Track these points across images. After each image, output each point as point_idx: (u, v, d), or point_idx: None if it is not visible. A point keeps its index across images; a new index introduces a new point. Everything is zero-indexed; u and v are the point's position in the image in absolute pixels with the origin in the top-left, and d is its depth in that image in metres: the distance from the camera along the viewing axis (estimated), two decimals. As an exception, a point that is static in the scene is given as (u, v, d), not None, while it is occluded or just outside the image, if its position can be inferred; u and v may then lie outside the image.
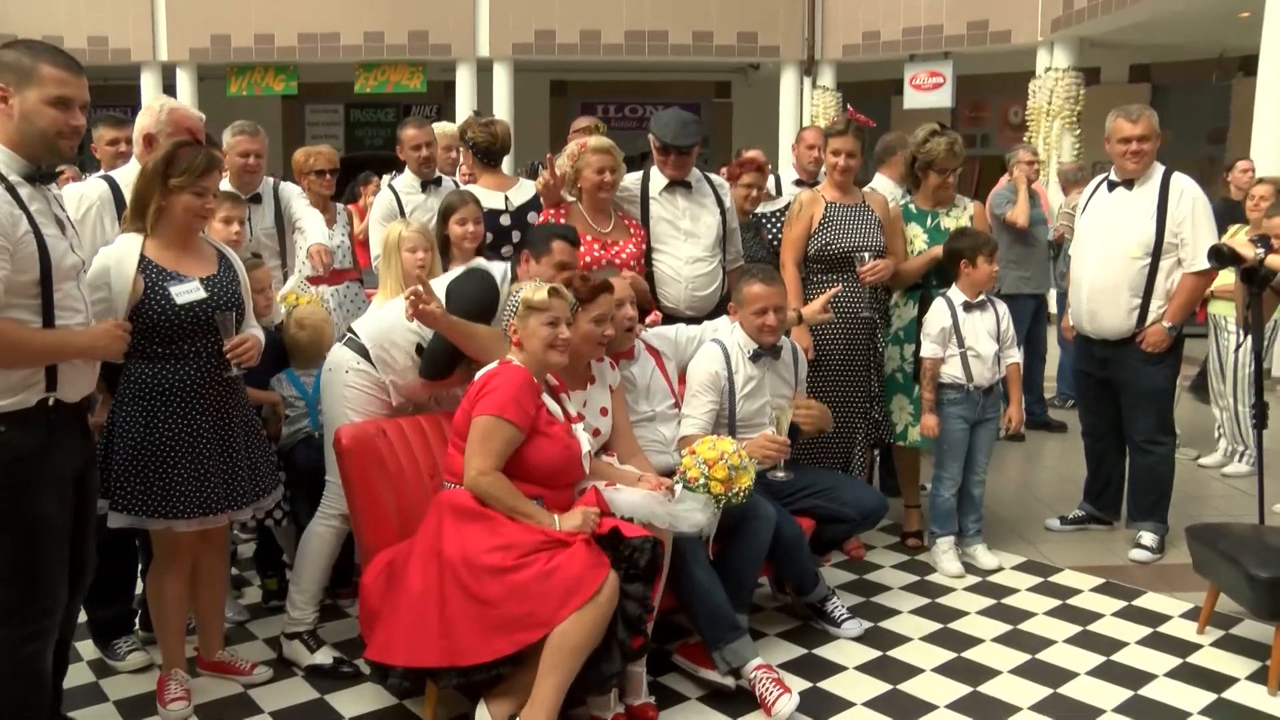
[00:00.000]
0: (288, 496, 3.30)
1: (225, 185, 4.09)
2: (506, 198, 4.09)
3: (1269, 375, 5.22)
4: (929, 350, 3.89)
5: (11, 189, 2.17)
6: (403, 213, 4.35)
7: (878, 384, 4.11)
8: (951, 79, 11.85)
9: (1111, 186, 4.04)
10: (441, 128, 4.87)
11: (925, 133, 4.09)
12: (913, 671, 3.09)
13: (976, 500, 4.01)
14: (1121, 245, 3.94)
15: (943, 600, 3.65)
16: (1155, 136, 3.89)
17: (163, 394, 2.63)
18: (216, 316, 2.65)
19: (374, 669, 2.66)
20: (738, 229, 4.11)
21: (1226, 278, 4.42)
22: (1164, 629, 3.41)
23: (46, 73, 2.21)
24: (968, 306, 3.90)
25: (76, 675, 2.97)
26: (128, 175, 3.07)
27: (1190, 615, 3.48)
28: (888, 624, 3.43)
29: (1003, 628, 3.41)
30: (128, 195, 2.86)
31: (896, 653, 3.22)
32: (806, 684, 3.00)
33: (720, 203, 3.95)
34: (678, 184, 3.88)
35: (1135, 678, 3.07)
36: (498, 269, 3.15)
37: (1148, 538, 4.06)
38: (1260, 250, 3.71)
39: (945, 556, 3.92)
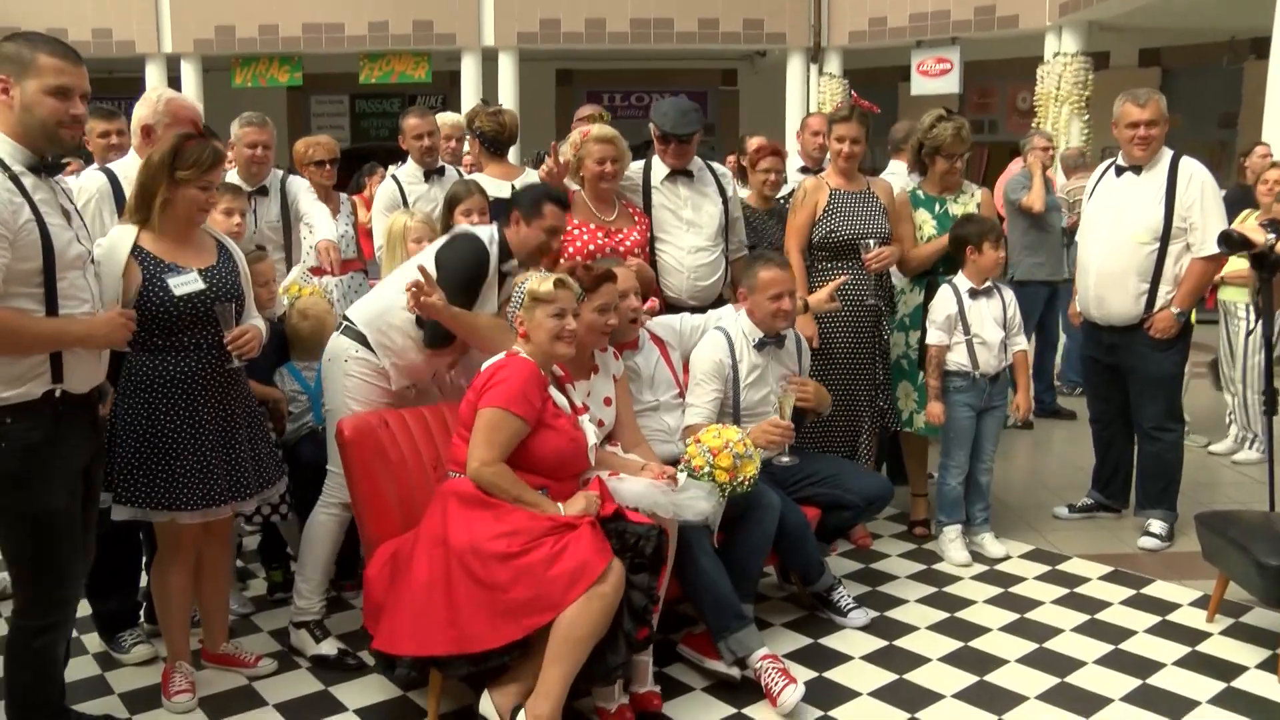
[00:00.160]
0: (292, 491, 3.29)
1: (233, 176, 4.10)
2: (513, 187, 4.08)
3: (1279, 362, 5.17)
4: (934, 337, 3.86)
5: (15, 179, 2.19)
6: (406, 203, 4.34)
7: (883, 372, 4.08)
8: (959, 65, 11.74)
9: (1119, 171, 4.00)
10: (445, 118, 4.85)
11: (931, 118, 4.05)
12: (919, 661, 3.08)
13: (984, 488, 3.99)
14: (1129, 230, 3.90)
15: (950, 589, 3.63)
16: (1163, 121, 3.85)
17: (164, 386, 2.63)
18: (216, 308, 2.64)
19: (380, 660, 2.65)
20: (740, 218, 4.09)
21: (1237, 263, 4.38)
22: (1173, 617, 3.39)
23: (45, 63, 2.22)
24: (973, 293, 3.87)
25: (81, 668, 2.98)
26: (126, 167, 3.07)
27: (1199, 603, 3.46)
28: (894, 613, 3.42)
29: (1010, 616, 3.40)
30: (126, 187, 2.86)
31: (903, 642, 3.21)
32: (812, 674, 3.00)
33: (723, 192, 3.92)
34: (679, 173, 3.86)
35: (1144, 666, 3.05)
36: (484, 232, 3.13)
37: (1157, 525, 4.03)
38: (1271, 235, 3.67)
39: (952, 545, 3.90)
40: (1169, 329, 3.89)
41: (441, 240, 3.17)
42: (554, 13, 11.91)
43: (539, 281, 2.77)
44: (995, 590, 3.62)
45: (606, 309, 3.00)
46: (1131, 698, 2.87)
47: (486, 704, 2.56)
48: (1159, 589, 3.62)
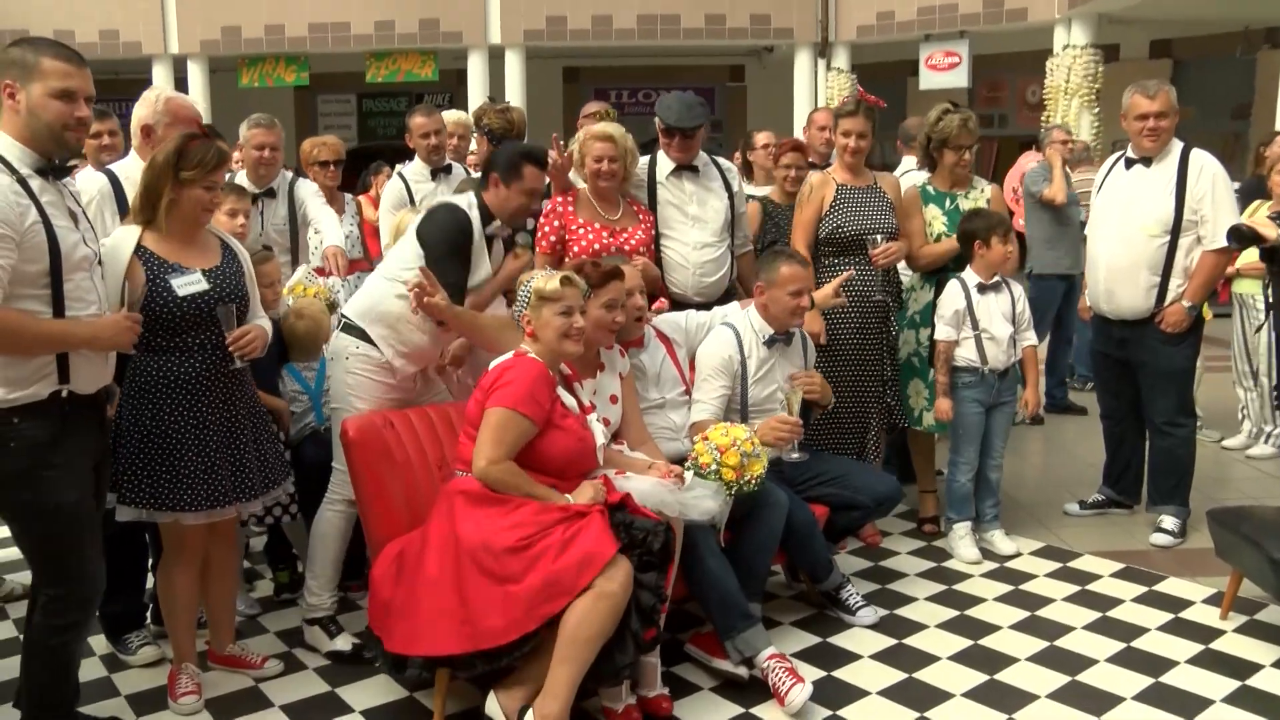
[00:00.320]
0: (297, 492, 3.28)
1: (241, 178, 4.10)
2: None
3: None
4: (942, 333, 3.84)
5: (23, 181, 2.21)
6: (412, 200, 4.34)
7: (891, 369, 4.05)
8: (968, 59, 11.68)
9: (1129, 164, 3.96)
10: (450, 116, 4.85)
11: (938, 112, 4.03)
12: (929, 659, 3.06)
13: (993, 485, 3.96)
14: (1139, 223, 3.86)
15: (959, 587, 3.61)
16: (1173, 113, 3.81)
17: (168, 387, 2.63)
18: (218, 309, 2.64)
19: (390, 662, 2.64)
20: (746, 214, 4.07)
21: (1252, 255, 4.33)
22: (1186, 615, 3.36)
23: (48, 66, 2.25)
24: (982, 288, 3.84)
25: (87, 669, 2.97)
26: (127, 168, 3.07)
27: (1213, 601, 3.43)
28: (903, 611, 3.40)
29: (1020, 614, 3.37)
30: (127, 188, 2.86)
31: (912, 640, 3.19)
32: (821, 673, 2.98)
33: (728, 187, 3.90)
34: (685, 169, 3.84)
35: (1156, 665, 3.02)
36: (461, 199, 3.11)
37: (1169, 522, 4.00)
38: (1282, 228, 3.62)
39: (962, 542, 3.87)
40: (1180, 323, 3.85)
41: (419, 218, 3.14)
42: (560, 10, 11.90)
43: (545, 280, 2.76)
44: (1005, 588, 3.59)
45: (614, 305, 2.99)
46: (1144, 696, 2.84)
47: (493, 705, 2.55)
48: (1171, 586, 3.58)
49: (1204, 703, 2.81)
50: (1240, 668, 3.00)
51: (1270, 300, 4.42)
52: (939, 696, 2.85)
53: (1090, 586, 3.59)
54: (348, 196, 5.00)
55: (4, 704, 2.67)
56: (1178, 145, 3.87)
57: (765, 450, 3.02)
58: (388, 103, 14.98)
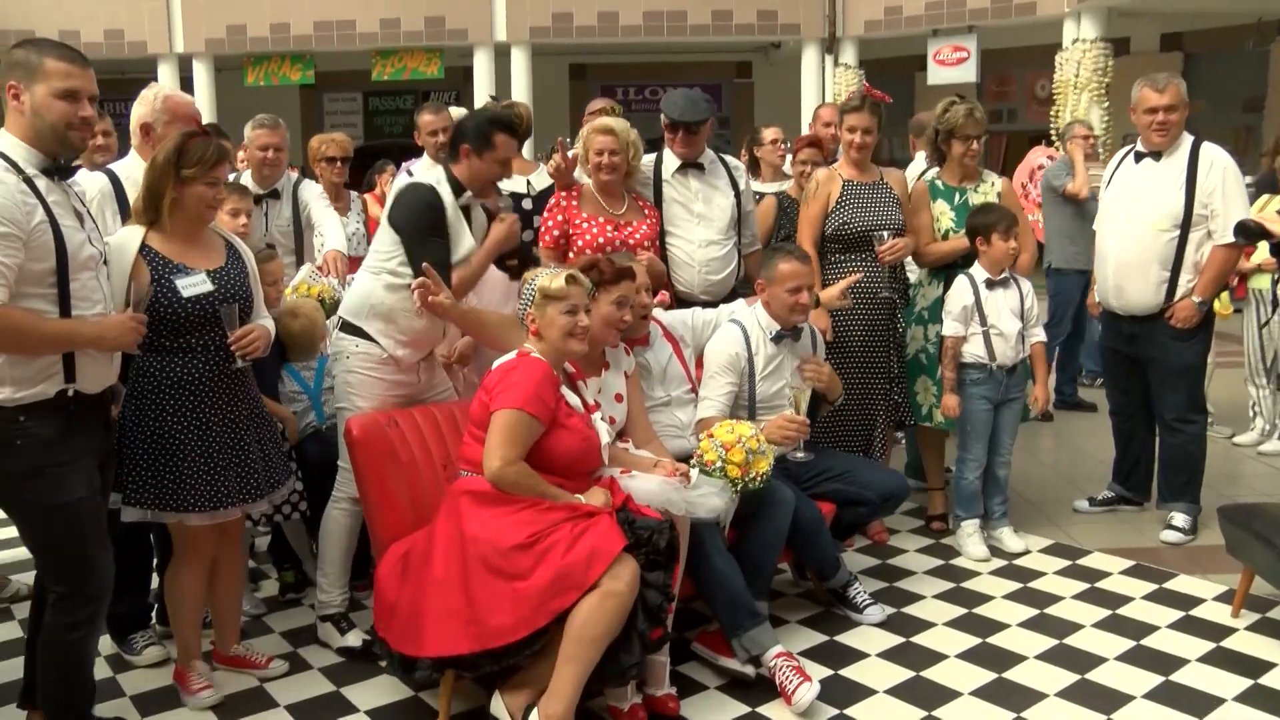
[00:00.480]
0: (303, 491, 3.28)
1: (246, 178, 4.10)
2: (529, 182, 4.06)
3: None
4: (950, 328, 3.81)
5: (29, 181, 2.22)
6: None
7: (898, 365, 4.03)
8: (976, 53, 11.62)
9: (1138, 158, 3.93)
10: (459, 113, 4.83)
11: (944, 104, 4.01)
12: (936, 658, 3.05)
13: (1002, 482, 3.93)
14: (1149, 218, 3.83)
15: (968, 584, 3.59)
16: (1183, 106, 3.78)
17: (171, 387, 2.63)
18: (220, 309, 2.64)
19: (398, 663, 2.63)
20: (753, 211, 4.05)
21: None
22: (1196, 612, 3.33)
23: (51, 66, 2.26)
24: (990, 284, 3.81)
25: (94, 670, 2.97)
26: (127, 168, 3.07)
27: (1224, 598, 3.40)
28: (911, 609, 3.38)
29: (1029, 612, 3.35)
30: (128, 187, 2.86)
31: (920, 639, 3.17)
32: (828, 671, 2.97)
33: (735, 185, 3.88)
34: (691, 165, 3.83)
35: (1166, 663, 2.99)
36: (429, 175, 3.06)
37: (1179, 519, 3.96)
38: (1291, 223, 3.59)
39: (970, 540, 3.85)
40: (1190, 318, 3.82)
41: (388, 204, 3.10)
42: (566, 7, 11.88)
43: (550, 278, 2.74)
44: (1014, 585, 3.57)
45: (624, 303, 2.98)
46: (1154, 695, 2.82)
47: (498, 704, 2.54)
48: (1182, 583, 3.55)
49: (1215, 701, 2.78)
50: (1252, 666, 2.97)
51: (1276, 296, 4.39)
52: (947, 695, 2.84)
53: (1100, 584, 3.56)
54: (354, 194, 5.00)
55: (7, 704, 2.67)
56: (1188, 139, 3.83)
57: (771, 447, 3.00)
58: (394, 100, 14.99)
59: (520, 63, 12.02)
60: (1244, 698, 2.80)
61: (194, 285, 2.60)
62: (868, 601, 3.31)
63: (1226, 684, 2.87)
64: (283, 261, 3.63)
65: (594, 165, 3.63)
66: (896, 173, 4.14)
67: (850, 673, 2.97)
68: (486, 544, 2.49)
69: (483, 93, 11.30)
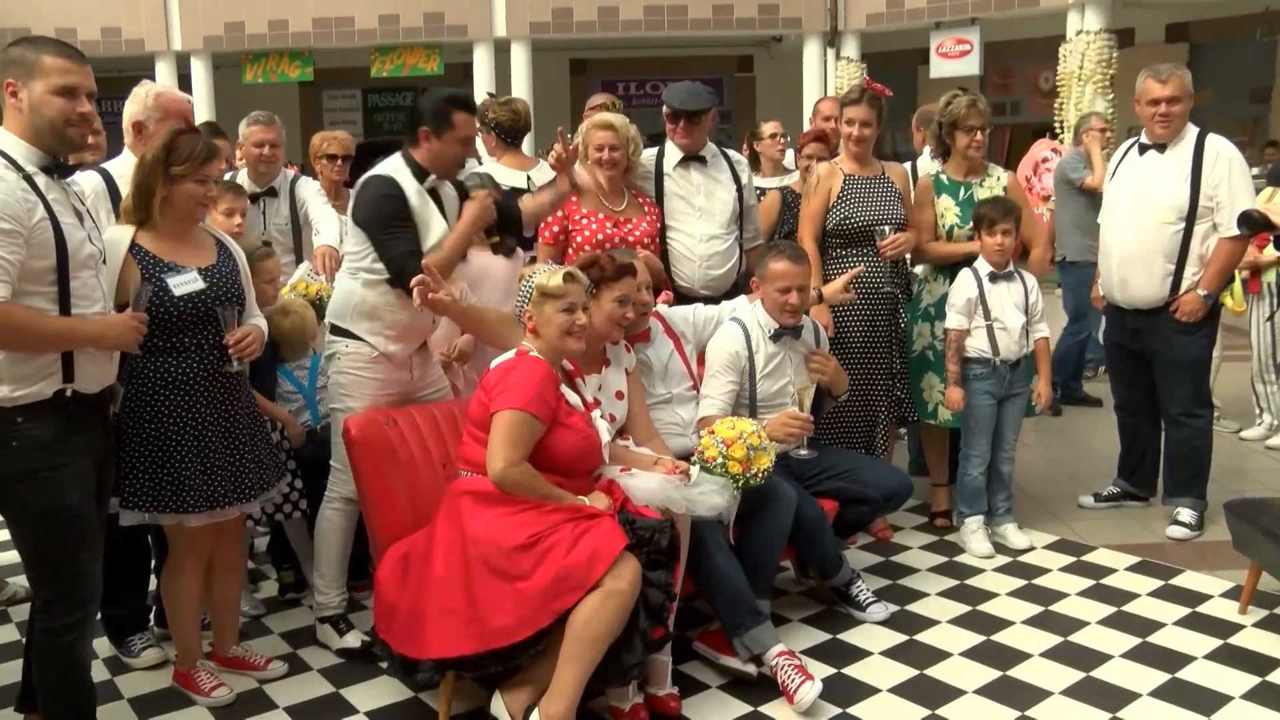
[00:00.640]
0: (300, 490, 3.27)
1: (243, 176, 4.08)
2: (529, 177, 4.06)
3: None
4: (954, 321, 3.79)
5: (29, 179, 2.22)
6: None
7: (900, 361, 4.00)
8: (979, 46, 11.56)
9: (1142, 150, 3.89)
10: None
11: (946, 97, 3.98)
12: (940, 656, 3.03)
13: (1006, 478, 3.91)
14: (1153, 210, 3.80)
15: (972, 582, 3.56)
16: (1187, 98, 3.74)
17: (166, 388, 2.61)
18: (218, 310, 2.62)
19: (399, 664, 2.62)
20: (756, 206, 4.03)
21: None
22: (1203, 609, 3.30)
23: (49, 63, 2.26)
24: (994, 277, 3.78)
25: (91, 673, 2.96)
26: (122, 166, 3.05)
27: (1231, 595, 3.37)
28: (915, 607, 3.36)
29: (1034, 609, 3.33)
30: (122, 186, 2.84)
31: (923, 636, 3.15)
32: (830, 670, 2.95)
33: (737, 179, 3.86)
34: (692, 159, 3.81)
35: (1173, 660, 2.97)
36: (386, 166, 2.99)
37: (1185, 514, 3.94)
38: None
39: (974, 536, 3.83)
40: (1195, 311, 3.79)
41: (350, 203, 3.05)
42: (566, 2, 11.84)
43: (548, 276, 2.72)
44: (1018, 582, 3.54)
45: (626, 300, 2.96)
46: (1160, 692, 2.79)
47: (498, 705, 2.53)
48: (1188, 580, 3.53)
49: (1222, 699, 2.76)
50: (1260, 663, 2.94)
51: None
52: (950, 693, 2.82)
53: (1105, 580, 3.54)
54: (352, 192, 4.97)
55: (5, 708, 2.66)
56: (1193, 130, 3.80)
57: (772, 444, 2.98)
58: (393, 97, 14.97)
59: (520, 58, 11.98)
60: (1252, 695, 2.78)
61: (186, 284, 2.58)
62: (870, 599, 3.29)
63: (1234, 681, 2.84)
64: (281, 260, 3.61)
65: (594, 161, 3.60)
66: (898, 167, 4.11)
67: (853, 671, 2.95)
68: (488, 544, 2.48)
69: (482, 89, 11.27)
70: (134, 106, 3.00)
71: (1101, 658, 2.99)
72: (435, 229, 2.95)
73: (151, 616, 3.18)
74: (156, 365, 2.61)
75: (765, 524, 3.01)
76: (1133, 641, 3.09)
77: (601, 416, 2.88)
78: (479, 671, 2.51)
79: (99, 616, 3.00)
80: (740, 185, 3.86)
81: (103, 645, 3.09)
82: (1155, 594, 3.43)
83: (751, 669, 2.85)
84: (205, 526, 2.72)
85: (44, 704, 2.44)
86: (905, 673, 2.93)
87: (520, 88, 11.66)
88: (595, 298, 2.89)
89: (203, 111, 11.51)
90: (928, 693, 2.82)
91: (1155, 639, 3.11)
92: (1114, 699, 2.76)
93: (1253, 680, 2.85)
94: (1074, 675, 2.89)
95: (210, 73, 12.08)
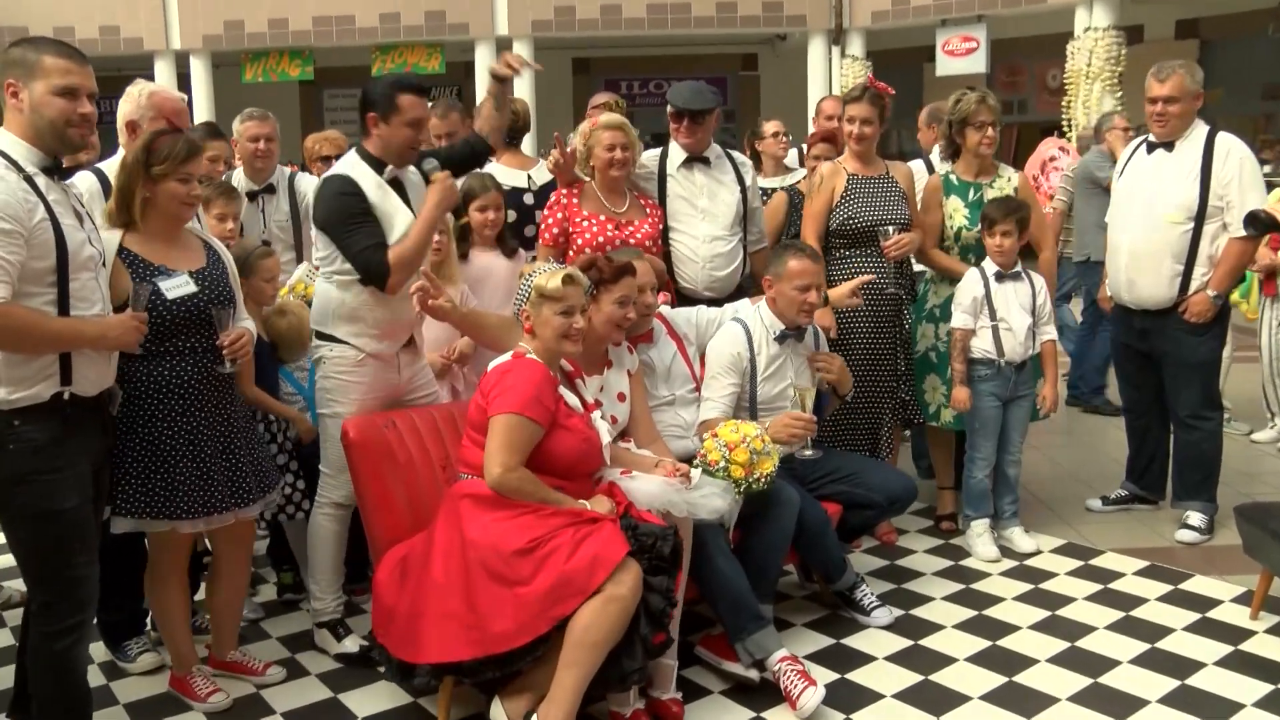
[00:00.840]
0: (303, 491, 3.24)
1: (239, 174, 4.05)
2: (529, 176, 4.04)
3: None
4: (959, 320, 3.76)
5: (29, 180, 2.21)
6: None
7: (905, 363, 3.97)
8: (985, 43, 11.52)
9: (1150, 148, 3.85)
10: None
11: (954, 97, 3.94)
12: (945, 661, 3.00)
13: (1012, 480, 3.87)
14: (1161, 210, 3.76)
15: (977, 586, 3.53)
16: (1187, 98, 3.69)
17: (159, 392, 2.59)
18: (213, 312, 2.61)
19: (396, 669, 2.60)
20: (760, 208, 4.00)
21: None
22: (1214, 614, 3.27)
23: (50, 64, 2.26)
24: (1000, 277, 3.75)
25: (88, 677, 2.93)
26: (116, 166, 3.02)
27: (1242, 600, 3.33)
28: (920, 611, 3.33)
29: (1040, 614, 3.29)
30: (117, 186, 2.81)
31: (929, 641, 3.12)
32: (834, 675, 2.92)
33: (741, 180, 3.83)
34: (696, 160, 3.78)
35: (1183, 666, 2.93)
36: (342, 164, 2.95)
37: (1195, 518, 3.89)
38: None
39: (980, 540, 3.79)
40: (1205, 312, 3.75)
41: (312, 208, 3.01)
42: (569, 0, 11.82)
43: (547, 278, 2.70)
44: (1025, 586, 3.51)
45: (626, 302, 2.94)
46: (1170, 699, 2.76)
47: (498, 711, 2.51)
48: (1198, 584, 3.49)
49: (1234, 707, 2.72)
50: (1272, 670, 2.91)
51: None
52: (956, 699, 2.79)
53: (1113, 585, 3.50)
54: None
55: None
56: (1203, 128, 3.75)
57: (776, 448, 2.96)
58: (396, 96, 14.92)
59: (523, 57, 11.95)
60: (1264, 703, 2.74)
61: (178, 287, 2.57)
62: (875, 604, 3.26)
63: (1245, 689, 2.81)
64: (281, 258, 3.58)
65: (605, 161, 3.56)
66: (902, 166, 4.07)
67: (857, 677, 2.92)
68: (487, 548, 2.46)
69: (484, 88, 11.25)
70: (127, 106, 2.99)
71: (1109, 663, 2.96)
72: (400, 220, 2.89)
73: (148, 621, 3.15)
74: (149, 369, 2.58)
75: (768, 527, 2.99)
76: (1141, 647, 3.05)
77: (603, 418, 2.86)
78: (476, 677, 2.50)
79: (96, 621, 2.99)
80: (744, 187, 3.83)
81: (98, 650, 3.07)
82: (1164, 599, 3.39)
83: (754, 674, 2.83)
84: (186, 533, 2.69)
85: (39, 710, 2.42)
86: (910, 678, 2.90)
87: (522, 87, 11.62)
88: (595, 299, 2.87)
89: (202, 111, 11.52)
90: (933, 699, 2.79)
91: (1164, 645, 3.07)
92: (1122, 705, 2.73)
93: (1265, 688, 2.81)
94: (1081, 681, 2.86)
95: (210, 72, 12.08)
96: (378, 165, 2.91)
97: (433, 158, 3.02)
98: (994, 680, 2.88)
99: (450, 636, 2.44)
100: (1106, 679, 2.87)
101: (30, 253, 2.17)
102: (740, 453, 2.84)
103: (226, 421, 2.71)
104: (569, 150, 3.65)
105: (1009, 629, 3.19)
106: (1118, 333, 4.17)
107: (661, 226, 3.72)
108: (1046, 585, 3.52)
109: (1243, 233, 3.66)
